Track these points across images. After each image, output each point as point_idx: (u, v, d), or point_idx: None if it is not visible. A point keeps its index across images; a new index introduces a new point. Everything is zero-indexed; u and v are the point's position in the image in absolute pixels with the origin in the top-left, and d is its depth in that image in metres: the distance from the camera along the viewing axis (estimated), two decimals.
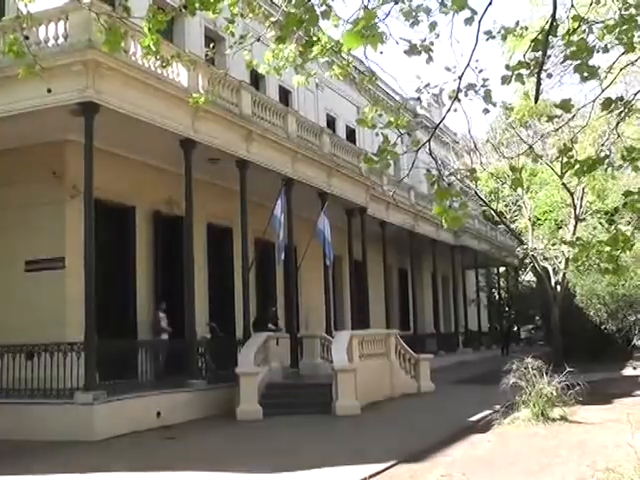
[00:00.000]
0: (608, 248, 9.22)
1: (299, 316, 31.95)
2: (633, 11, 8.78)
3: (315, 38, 9.25)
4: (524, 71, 7.99)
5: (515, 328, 66.93)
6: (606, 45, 8.68)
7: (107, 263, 22.48)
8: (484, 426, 19.17)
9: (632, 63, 9.79)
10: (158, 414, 20.08)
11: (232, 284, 28.40)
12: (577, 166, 8.54)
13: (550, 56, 9.97)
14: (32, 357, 19.63)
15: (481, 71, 8.20)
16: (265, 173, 26.67)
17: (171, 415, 20.41)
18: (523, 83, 8.14)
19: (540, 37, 7.80)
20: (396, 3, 8.29)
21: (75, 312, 19.65)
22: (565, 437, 17.34)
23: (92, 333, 18.59)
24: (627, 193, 9.03)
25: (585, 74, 7.80)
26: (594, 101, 9.25)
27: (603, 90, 9.23)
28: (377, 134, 8.03)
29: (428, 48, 7.89)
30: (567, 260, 40.47)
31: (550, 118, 10.02)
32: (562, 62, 8.51)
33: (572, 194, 44.22)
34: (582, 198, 44.96)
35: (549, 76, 9.86)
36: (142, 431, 18.98)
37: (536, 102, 8.18)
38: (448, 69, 8.34)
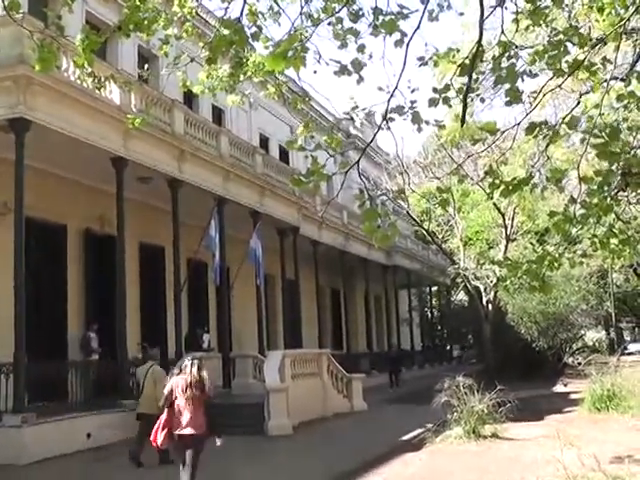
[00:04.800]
0: (535, 266, 9.40)
1: (231, 336, 31.82)
2: (561, 37, 9.00)
3: (245, 59, 9.30)
4: (452, 94, 8.13)
5: (448, 346, 67.52)
6: (531, 70, 8.87)
7: (37, 282, 22.18)
8: (416, 444, 19.27)
9: (559, 87, 9.99)
10: (88, 435, 19.82)
11: (164, 304, 28.24)
12: (502, 187, 8.69)
13: (481, 80, 10.14)
14: None
15: (414, 91, 8.30)
16: (197, 192, 26.57)
17: (102, 436, 20.14)
18: (450, 106, 8.27)
19: (467, 62, 7.95)
20: (329, 24, 8.38)
21: (4, 333, 19.31)
22: (496, 453, 17.53)
23: (22, 354, 18.26)
24: (552, 213, 9.21)
25: (510, 98, 7.96)
26: (518, 124, 9.43)
27: (527, 114, 9.42)
28: (306, 156, 8.06)
29: (359, 68, 7.95)
30: (498, 279, 40.97)
31: (475, 141, 10.14)
32: (494, 87, 8.67)
33: (503, 215, 45.00)
34: (513, 218, 45.78)
35: (482, 100, 10.03)
36: (72, 453, 18.71)
37: (462, 125, 8.30)
38: (381, 89, 8.40)
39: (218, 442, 11.84)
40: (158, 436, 11.73)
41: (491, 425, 19.70)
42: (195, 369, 11.95)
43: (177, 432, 11.59)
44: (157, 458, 15.87)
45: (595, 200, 8.93)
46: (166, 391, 11.85)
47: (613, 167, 9.19)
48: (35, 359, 19.51)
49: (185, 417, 11.57)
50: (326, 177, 7.53)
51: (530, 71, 8.80)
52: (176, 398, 11.68)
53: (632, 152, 10.10)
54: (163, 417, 11.72)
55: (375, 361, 47.66)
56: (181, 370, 12.12)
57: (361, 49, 8.20)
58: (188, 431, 11.56)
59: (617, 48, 9.70)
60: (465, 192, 51.79)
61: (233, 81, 9.94)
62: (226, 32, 8.21)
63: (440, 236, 52.94)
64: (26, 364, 18.44)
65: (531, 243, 47.64)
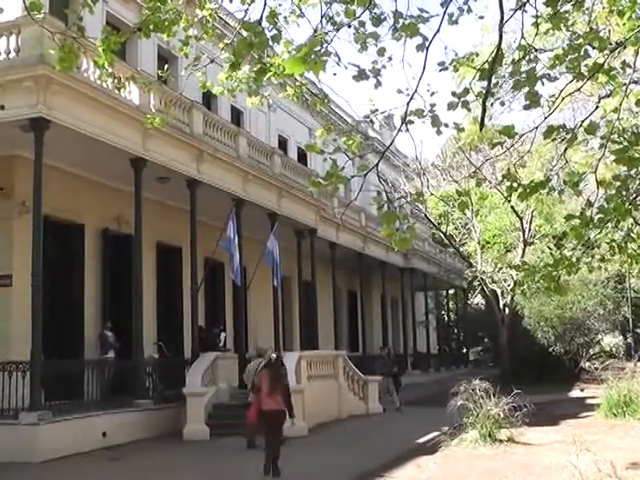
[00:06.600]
0: (552, 271, 9.37)
1: (248, 336, 31.83)
2: (581, 41, 8.97)
3: (267, 64, 9.29)
4: (471, 97, 8.10)
5: (464, 349, 67.34)
6: (550, 74, 8.83)
7: (55, 281, 22.23)
8: (431, 448, 19.23)
9: (578, 90, 9.96)
10: (104, 434, 19.88)
11: (181, 303, 28.27)
12: (520, 190, 8.66)
13: (502, 84, 10.12)
14: None
15: (433, 94, 8.29)
16: (215, 193, 26.60)
17: (117, 435, 20.21)
18: (469, 110, 8.25)
19: (487, 65, 7.93)
20: (349, 27, 8.37)
21: (21, 330, 19.40)
22: (511, 458, 17.47)
23: (38, 352, 18.30)
24: (568, 217, 9.18)
25: (529, 102, 7.93)
26: (537, 128, 9.40)
27: (545, 118, 9.39)
28: (325, 159, 8.05)
29: (377, 72, 7.95)
30: (515, 283, 40.85)
31: (493, 145, 10.12)
32: (512, 89, 8.63)
33: (521, 218, 44.86)
34: (531, 222, 45.66)
35: (502, 104, 10.01)
36: (87, 452, 18.77)
37: (481, 129, 8.29)
38: (400, 92, 8.39)
39: (290, 422, 15.53)
40: (252, 415, 16.18)
41: (507, 429, 19.64)
42: (277, 363, 16.11)
43: (263, 409, 15.28)
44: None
45: (613, 205, 8.89)
46: (256, 380, 15.97)
47: (632, 172, 9.15)
48: (52, 357, 19.63)
49: (268, 399, 15.14)
50: (345, 180, 7.52)
51: (549, 75, 8.77)
52: (262, 385, 15.33)
53: None
54: (254, 401, 15.93)
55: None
56: (267, 365, 16.04)
57: (381, 52, 8.19)
58: (270, 407, 15.13)
59: (637, 52, 9.66)
60: (483, 195, 51.70)
61: (255, 84, 9.92)
62: (245, 34, 8.22)
63: (457, 239, 52.80)
64: (42, 362, 18.49)
65: (549, 247, 47.44)
